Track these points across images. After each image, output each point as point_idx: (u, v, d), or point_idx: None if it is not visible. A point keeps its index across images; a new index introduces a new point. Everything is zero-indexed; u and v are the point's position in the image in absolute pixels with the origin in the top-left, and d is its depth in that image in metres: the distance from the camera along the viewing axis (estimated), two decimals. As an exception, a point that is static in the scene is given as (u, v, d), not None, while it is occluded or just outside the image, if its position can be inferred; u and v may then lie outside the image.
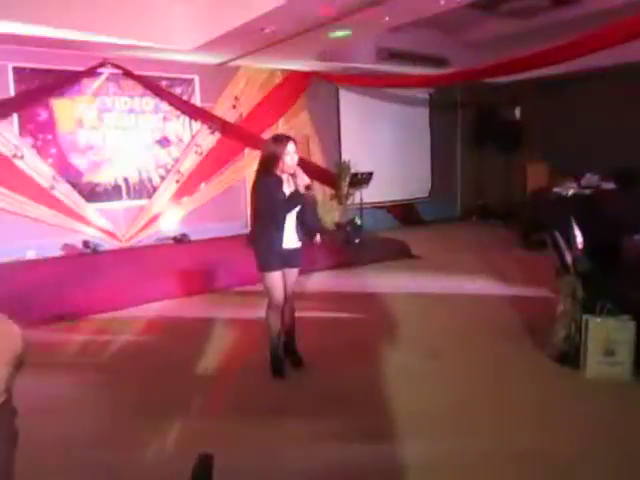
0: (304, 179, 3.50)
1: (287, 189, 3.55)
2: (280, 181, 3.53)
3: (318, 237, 3.88)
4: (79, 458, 2.75)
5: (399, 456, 2.69)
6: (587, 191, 7.53)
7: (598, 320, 3.40)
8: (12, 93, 6.69)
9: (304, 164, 8.79)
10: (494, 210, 10.91)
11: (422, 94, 10.69)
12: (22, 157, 6.71)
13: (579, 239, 3.87)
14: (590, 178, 8.02)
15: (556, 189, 7.76)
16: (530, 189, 9.48)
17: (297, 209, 3.60)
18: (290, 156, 3.48)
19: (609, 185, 7.63)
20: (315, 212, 3.81)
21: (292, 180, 3.57)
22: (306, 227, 3.72)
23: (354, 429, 2.99)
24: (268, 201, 3.49)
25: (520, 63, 7.08)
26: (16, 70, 6.68)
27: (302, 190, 3.49)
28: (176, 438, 2.92)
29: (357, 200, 8.48)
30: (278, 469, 2.62)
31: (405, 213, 10.71)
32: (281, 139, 3.58)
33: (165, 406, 3.31)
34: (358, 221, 7.68)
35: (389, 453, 2.73)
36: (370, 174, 8.52)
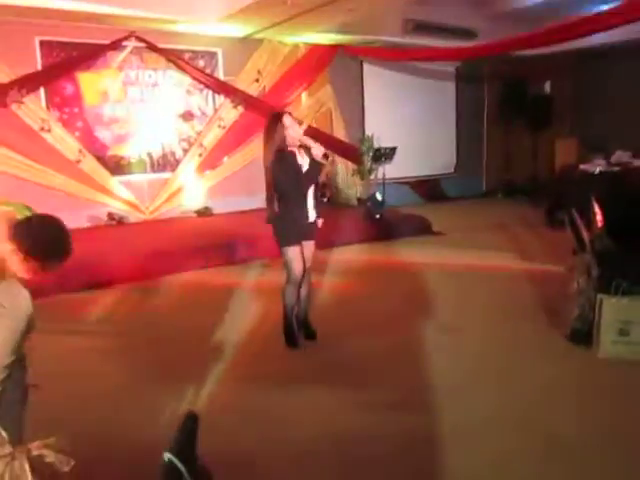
0: (320, 148, 3.53)
1: (301, 161, 3.59)
2: (293, 154, 3.57)
3: (320, 221, 3.87)
4: (94, 419, 2.88)
5: (410, 425, 2.75)
6: (616, 168, 7.32)
7: (613, 299, 3.36)
8: (39, 67, 6.80)
9: (327, 138, 8.79)
10: (520, 187, 10.72)
11: (448, 67, 10.46)
12: (49, 130, 6.85)
13: (599, 217, 3.80)
14: (621, 155, 7.78)
15: (583, 166, 7.56)
16: (558, 165, 9.28)
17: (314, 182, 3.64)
18: (291, 129, 3.51)
19: (641, 162, 7.42)
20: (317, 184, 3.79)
21: (304, 152, 3.60)
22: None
23: (367, 398, 3.06)
24: (289, 176, 3.52)
25: (552, 35, 6.85)
26: (43, 44, 6.79)
27: (321, 159, 3.52)
28: (190, 402, 3.03)
29: (380, 175, 8.44)
30: (289, 434, 2.71)
31: (429, 189, 10.60)
32: (275, 116, 3.62)
33: (182, 371, 3.44)
34: (379, 196, 7.65)
35: (401, 422, 2.79)
36: (393, 149, 8.44)
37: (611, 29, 6.27)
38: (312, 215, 3.72)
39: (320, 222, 3.85)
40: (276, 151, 3.54)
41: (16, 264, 1.69)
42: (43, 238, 1.75)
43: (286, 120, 3.52)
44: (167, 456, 1.14)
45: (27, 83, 6.60)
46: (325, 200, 4.02)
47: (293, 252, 3.64)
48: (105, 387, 3.25)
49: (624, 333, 3.36)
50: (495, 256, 6.24)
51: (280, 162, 3.53)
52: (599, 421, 2.79)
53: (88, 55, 7.04)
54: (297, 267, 3.67)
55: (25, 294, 1.47)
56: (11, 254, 1.68)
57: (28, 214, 1.81)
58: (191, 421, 1.27)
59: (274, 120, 3.58)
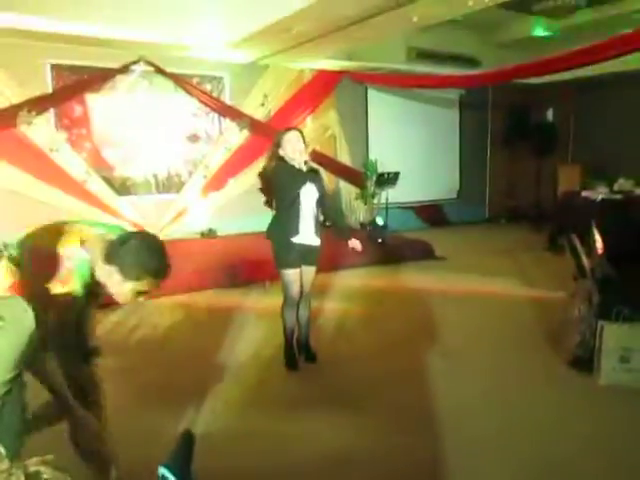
0: (303, 156, 3.57)
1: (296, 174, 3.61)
2: (291, 167, 3.58)
3: (356, 243, 3.80)
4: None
5: (410, 448, 2.75)
6: (618, 196, 7.35)
7: (614, 326, 3.36)
8: (50, 89, 6.94)
9: (331, 162, 8.86)
10: (524, 212, 10.76)
11: (452, 94, 10.58)
12: (57, 151, 6.96)
13: (599, 244, 3.81)
14: (623, 183, 7.84)
15: (585, 193, 7.61)
16: (561, 192, 9.33)
17: (315, 198, 3.65)
18: (292, 143, 3.55)
19: (643, 191, 7.47)
20: (327, 201, 3.82)
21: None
22: (331, 225, 3.80)
23: (367, 421, 3.05)
24: (277, 183, 3.58)
25: (553, 64, 6.96)
26: (54, 67, 6.94)
27: (303, 167, 3.56)
28: (189, 424, 3.02)
29: (383, 200, 8.49)
30: (287, 457, 2.70)
31: (432, 214, 10.64)
32: (283, 130, 3.71)
33: (182, 392, 3.43)
34: (380, 221, 7.68)
35: (400, 444, 2.79)
36: (397, 174, 8.52)
37: (612, 59, 6.37)
38: (314, 239, 3.71)
39: (357, 244, 3.79)
40: (272, 161, 3.61)
41: (115, 286, 1.67)
42: (143, 258, 1.72)
43: (291, 134, 3.59)
44: (161, 471, 1.15)
45: (37, 105, 6.73)
46: (328, 224, 4.01)
47: (289, 275, 3.65)
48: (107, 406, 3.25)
49: (625, 360, 3.35)
50: (497, 281, 6.24)
51: (273, 170, 3.60)
52: (599, 447, 2.77)
53: (98, 78, 7.19)
54: (292, 291, 3.69)
55: (29, 310, 1.49)
56: (109, 276, 1.65)
57: (121, 234, 1.78)
58: (187, 439, 1.28)
59: (280, 132, 3.67)
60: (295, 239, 3.61)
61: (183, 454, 1.28)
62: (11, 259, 1.64)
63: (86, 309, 1.74)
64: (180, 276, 5.95)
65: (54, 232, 1.70)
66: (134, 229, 7.56)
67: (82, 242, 1.68)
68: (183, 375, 3.74)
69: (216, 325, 4.78)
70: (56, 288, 1.59)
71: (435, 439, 2.83)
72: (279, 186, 3.59)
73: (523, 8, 7.39)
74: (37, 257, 1.66)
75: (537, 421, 3.05)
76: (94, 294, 1.74)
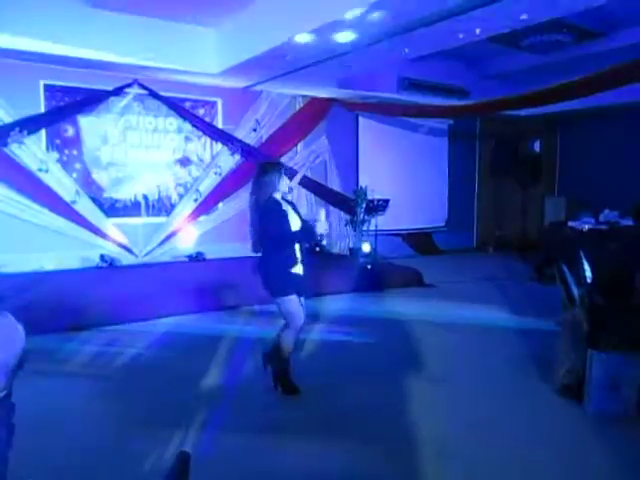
0: (324, 226, 3.68)
1: (285, 207, 3.70)
2: (280, 204, 3.68)
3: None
4: (78, 463, 2.80)
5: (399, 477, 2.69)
6: (604, 227, 7.46)
7: (603, 355, 3.37)
8: (42, 109, 6.95)
9: (321, 188, 8.91)
10: (511, 242, 10.87)
11: (441, 124, 10.78)
12: (47, 171, 6.93)
13: (588, 273, 3.85)
14: (608, 214, 7.97)
15: (571, 223, 7.72)
16: (547, 222, 9.46)
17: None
18: (284, 179, 3.72)
19: (628, 222, 7.58)
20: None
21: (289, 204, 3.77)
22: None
23: (356, 448, 3.00)
24: (282, 223, 3.59)
25: (541, 96, 7.13)
26: (47, 87, 6.96)
27: (321, 231, 3.66)
28: (176, 450, 2.94)
29: (373, 227, 8.54)
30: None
31: (421, 242, 10.70)
32: (275, 167, 3.75)
33: (169, 419, 3.36)
34: (370, 247, 7.71)
35: (388, 471, 2.73)
36: (386, 201, 8.58)
37: (595, 94, 6.55)
38: (302, 269, 3.74)
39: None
40: (271, 198, 3.62)
41: None
42: None
43: (283, 170, 3.71)
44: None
45: (29, 124, 6.73)
46: (317, 250, 4.04)
47: (295, 302, 3.66)
48: (90, 431, 3.17)
49: (614, 389, 3.34)
50: (485, 309, 6.24)
51: (276, 210, 3.60)
52: (588, 477, 2.75)
53: (91, 100, 7.22)
54: (299, 316, 3.68)
55: (19, 329, 1.45)
56: None
57: None
58: (183, 461, 1.25)
59: (273, 169, 3.69)
60: (294, 270, 3.65)
61: (179, 474, 1.25)
62: None
63: None
64: (167, 299, 5.91)
65: None
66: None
67: None
68: (169, 400, 3.66)
69: (202, 349, 4.71)
70: None
71: (423, 466, 2.78)
72: (282, 221, 3.60)
73: (512, 42, 7.59)
74: None
75: (527, 450, 3.02)
76: None
